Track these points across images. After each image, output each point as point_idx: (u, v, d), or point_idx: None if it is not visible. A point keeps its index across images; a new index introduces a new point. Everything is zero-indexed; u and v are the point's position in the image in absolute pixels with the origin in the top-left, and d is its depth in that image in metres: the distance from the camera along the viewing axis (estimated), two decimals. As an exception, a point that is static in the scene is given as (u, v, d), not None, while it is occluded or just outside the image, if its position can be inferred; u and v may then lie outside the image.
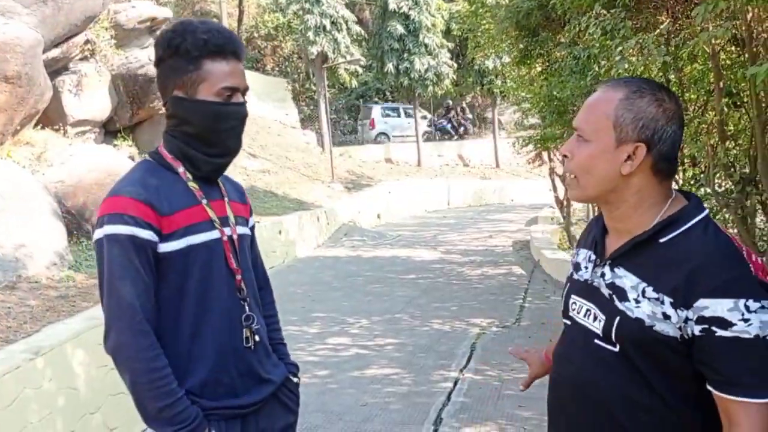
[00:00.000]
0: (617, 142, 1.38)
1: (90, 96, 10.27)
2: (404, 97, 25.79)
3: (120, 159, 9.21)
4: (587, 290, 1.49)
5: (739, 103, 6.09)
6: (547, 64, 9.76)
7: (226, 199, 1.86)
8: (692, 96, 7.12)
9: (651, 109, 1.37)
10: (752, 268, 1.33)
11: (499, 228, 16.75)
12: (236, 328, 1.78)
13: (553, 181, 13.28)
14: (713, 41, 5.54)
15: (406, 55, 22.32)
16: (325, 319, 7.93)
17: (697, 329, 1.29)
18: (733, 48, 6.33)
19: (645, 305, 1.34)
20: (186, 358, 1.72)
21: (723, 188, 6.09)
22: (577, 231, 13.88)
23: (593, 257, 1.52)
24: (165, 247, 1.69)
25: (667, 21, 6.17)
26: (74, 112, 10.02)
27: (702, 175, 6.63)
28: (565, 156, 1.46)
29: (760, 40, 5.49)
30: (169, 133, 1.82)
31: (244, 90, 1.79)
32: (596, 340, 1.44)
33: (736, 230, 6.10)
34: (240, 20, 30.66)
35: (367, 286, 10.01)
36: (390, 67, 22.23)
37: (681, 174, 7.66)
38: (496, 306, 8.43)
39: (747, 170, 5.81)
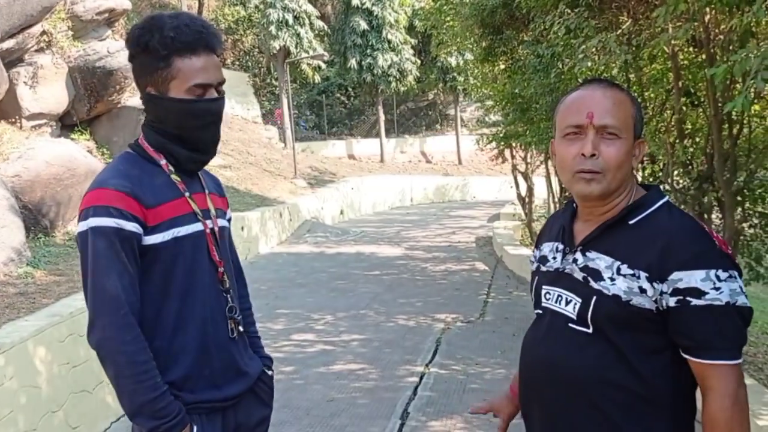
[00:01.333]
0: (634, 139, 1.49)
1: (46, 89, 10.00)
2: (367, 93, 25.78)
3: (79, 153, 8.99)
4: (558, 278, 1.55)
5: (696, 103, 6.26)
6: (511, 62, 9.87)
7: (206, 191, 1.85)
8: (651, 95, 7.30)
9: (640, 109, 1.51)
10: (716, 242, 1.42)
11: (462, 224, 16.87)
12: (220, 320, 1.78)
13: (515, 177, 13.45)
14: (673, 42, 5.67)
15: (369, 50, 22.35)
16: (290, 315, 7.88)
17: (672, 301, 1.37)
18: (691, 49, 6.51)
19: (620, 282, 1.42)
20: (169, 350, 1.70)
21: (681, 185, 6.27)
22: (539, 227, 14.09)
23: (561, 247, 1.59)
24: (150, 240, 1.68)
25: (629, 21, 6.31)
26: (30, 105, 9.75)
27: (661, 173, 6.80)
28: (592, 155, 1.46)
29: (717, 42, 5.64)
30: (149, 126, 1.80)
31: (219, 83, 1.76)
32: (570, 324, 1.49)
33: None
34: (199, 13, 30.13)
35: (332, 282, 9.98)
36: (353, 62, 22.23)
37: (641, 171, 7.85)
38: (460, 301, 8.49)
39: (704, 168, 5.98)
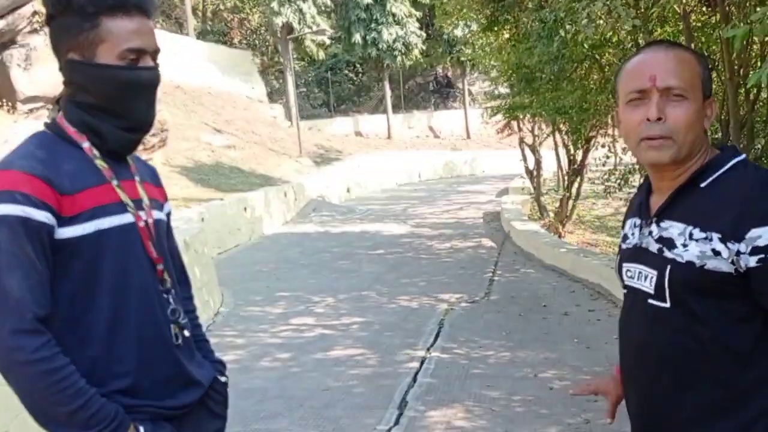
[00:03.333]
0: (703, 99, 1.41)
1: (41, 70, 9.78)
2: (373, 69, 25.39)
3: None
4: (637, 253, 1.50)
5: (710, 67, 5.92)
6: (515, 30, 9.49)
7: (137, 178, 1.61)
8: (662, 60, 6.94)
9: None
10: None
11: (470, 200, 16.60)
12: (162, 324, 1.57)
13: (522, 150, 13.11)
14: (684, 1, 5.32)
15: (373, 25, 21.93)
16: (290, 298, 7.68)
17: (752, 261, 1.30)
18: (703, 9, 6.15)
19: (693, 247, 1.35)
20: (101, 362, 1.48)
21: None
22: (548, 201, 13.77)
23: (638, 222, 1.53)
24: (67, 232, 1.44)
25: (636, -18, 5.93)
26: (25, 88, 9.56)
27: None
28: (658, 119, 1.38)
29: (732, 0, 5.29)
30: (70, 102, 1.55)
31: (155, 52, 1.53)
32: (649, 300, 1.44)
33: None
34: (204, -9, 29.85)
35: (335, 262, 9.77)
36: (357, 37, 21.84)
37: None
38: (465, 280, 8.25)
39: (719, 135, 5.65)
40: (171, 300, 1.60)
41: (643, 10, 5.38)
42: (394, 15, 21.76)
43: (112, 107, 1.50)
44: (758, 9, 4.13)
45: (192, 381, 1.63)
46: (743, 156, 1.42)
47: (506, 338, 5.89)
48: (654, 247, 1.44)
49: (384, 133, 24.23)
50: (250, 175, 14.90)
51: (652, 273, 1.43)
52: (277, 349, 5.86)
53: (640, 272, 1.48)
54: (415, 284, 8.14)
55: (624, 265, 1.55)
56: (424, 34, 23.22)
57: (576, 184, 11.10)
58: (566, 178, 11.38)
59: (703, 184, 1.40)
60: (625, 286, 1.55)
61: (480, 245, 10.78)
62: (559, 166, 11.98)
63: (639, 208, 1.54)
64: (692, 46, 5.60)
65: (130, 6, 1.47)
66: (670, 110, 1.38)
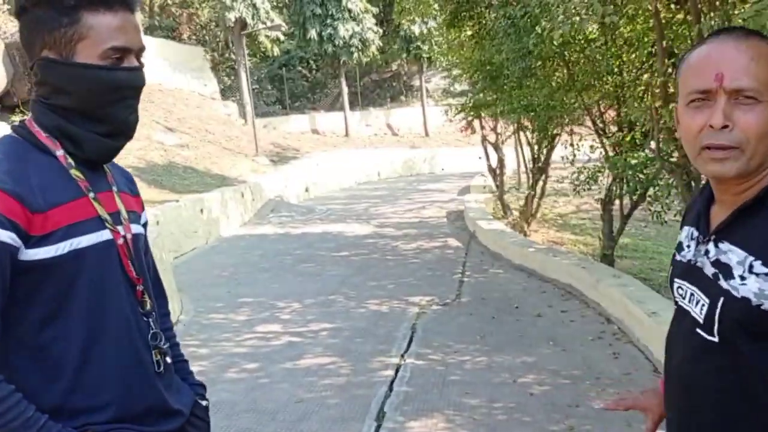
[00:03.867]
0: None
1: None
2: (329, 65, 25.09)
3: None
4: (690, 272, 1.34)
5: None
6: (478, 27, 9.37)
7: (115, 189, 1.48)
8: (631, 57, 6.90)
9: None
10: None
11: (432, 198, 16.50)
12: (143, 351, 1.45)
13: (485, 149, 13.05)
14: (656, -3, 5.25)
15: (329, 20, 21.66)
16: (253, 304, 7.38)
17: None
18: (672, 6, 6.11)
19: (752, 281, 1.18)
20: (75, 395, 1.35)
21: (665, 152, 5.90)
22: (511, 199, 13.76)
23: (695, 234, 1.36)
24: (37, 253, 1.30)
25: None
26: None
27: (645, 139, 6.43)
28: (724, 126, 1.18)
29: (703, -4, 5.25)
30: (42, 104, 1.38)
31: (139, 51, 1.40)
32: (697, 329, 1.28)
33: (680, 196, 5.92)
34: (151, -15, 29.02)
35: (298, 265, 9.49)
36: (313, 33, 21.54)
37: (619, 138, 7.49)
38: (434, 282, 8.08)
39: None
40: (152, 323, 1.47)
41: (620, 5, 5.30)
42: (350, 11, 21.52)
43: (92, 111, 1.37)
44: (745, 7, 4.06)
45: (171, 411, 1.50)
46: None
47: (481, 342, 5.75)
48: (709, 270, 1.27)
49: (341, 130, 23.98)
50: (205, 175, 14.47)
51: (704, 300, 1.27)
52: (243, 359, 5.59)
53: (692, 294, 1.32)
54: (384, 287, 7.95)
55: (676, 280, 1.40)
56: (381, 31, 23.04)
57: (541, 183, 11.08)
58: (531, 176, 11.35)
59: None
60: (676, 303, 1.40)
61: (446, 245, 10.65)
62: (525, 165, 11.96)
63: (697, 218, 1.37)
64: (663, 44, 5.54)
65: (115, 1, 1.34)
66: (739, 116, 1.18)
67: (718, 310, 1.22)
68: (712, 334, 1.24)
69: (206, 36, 29.56)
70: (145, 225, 1.60)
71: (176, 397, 1.54)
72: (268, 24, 19.87)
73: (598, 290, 6.50)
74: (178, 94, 19.29)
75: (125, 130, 1.42)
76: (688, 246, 1.38)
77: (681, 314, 1.37)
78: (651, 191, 6.78)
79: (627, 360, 5.14)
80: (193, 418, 1.59)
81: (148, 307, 1.47)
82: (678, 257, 1.41)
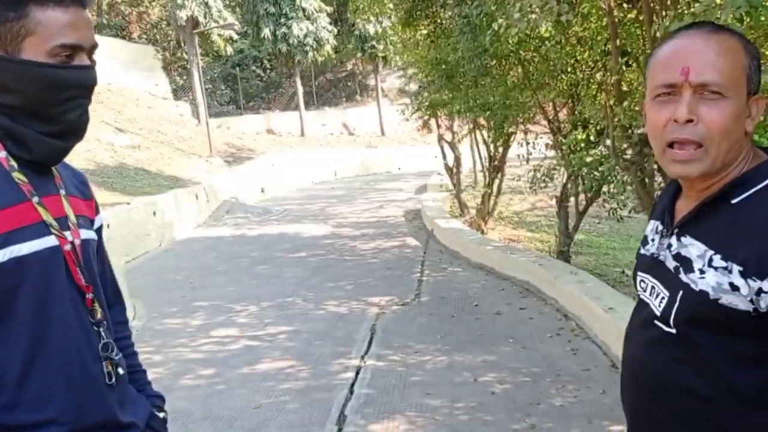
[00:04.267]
0: (747, 97, 1.20)
1: None
2: (283, 65, 24.84)
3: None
4: (653, 265, 1.35)
5: (632, 63, 5.95)
6: (434, 26, 9.37)
7: (62, 192, 1.41)
8: (585, 56, 6.97)
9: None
10: None
11: (389, 198, 16.46)
12: (91, 363, 1.37)
13: (442, 148, 13.08)
14: (611, -4, 5.31)
15: (283, 19, 21.44)
16: (209, 308, 7.21)
17: None
18: (625, 5, 6.18)
19: (710, 275, 1.19)
20: (16, 410, 1.28)
21: (619, 149, 5.97)
22: (468, 198, 13.81)
23: (660, 228, 1.37)
24: None
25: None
26: None
27: (599, 137, 6.50)
28: (689, 121, 1.17)
29: (656, -5, 5.31)
30: None
31: (92, 48, 1.34)
32: (655, 321, 1.29)
33: (635, 192, 6.00)
34: (99, -17, 28.29)
35: (254, 267, 9.33)
36: (267, 32, 21.29)
37: (574, 136, 7.56)
38: (393, 282, 8.03)
39: (645, 131, 5.69)
40: (103, 333, 1.40)
41: (574, 3, 5.32)
42: (304, 10, 21.34)
43: (39, 111, 1.30)
44: (696, 4, 4.11)
45: (126, 425, 1.44)
46: None
47: (442, 341, 5.72)
48: (671, 263, 1.28)
49: (297, 130, 23.76)
50: (158, 177, 14.13)
51: (664, 293, 1.28)
52: (199, 364, 5.45)
53: (653, 287, 1.33)
54: (342, 288, 7.86)
55: (639, 274, 1.40)
56: (336, 30, 22.92)
57: (497, 181, 11.14)
58: (487, 174, 11.41)
59: (734, 201, 1.20)
60: (638, 296, 1.40)
61: (405, 244, 10.61)
62: (481, 163, 12.01)
63: (663, 212, 1.37)
64: (617, 42, 5.60)
65: None
66: (704, 111, 1.17)
67: (676, 303, 1.23)
68: (670, 326, 1.25)
69: (157, 35, 28.98)
70: (98, 230, 1.54)
71: (131, 409, 1.47)
72: (221, 23, 19.55)
73: (556, 287, 6.55)
74: (129, 94, 18.80)
75: (75, 131, 1.35)
76: (653, 240, 1.38)
77: (641, 306, 1.37)
78: (606, 188, 6.87)
79: (586, 356, 5.18)
80: (149, 431, 1.52)
81: (99, 316, 1.40)
82: (642, 251, 1.41)
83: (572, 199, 8.26)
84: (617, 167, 5.96)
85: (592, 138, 6.83)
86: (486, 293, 7.26)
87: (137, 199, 11.16)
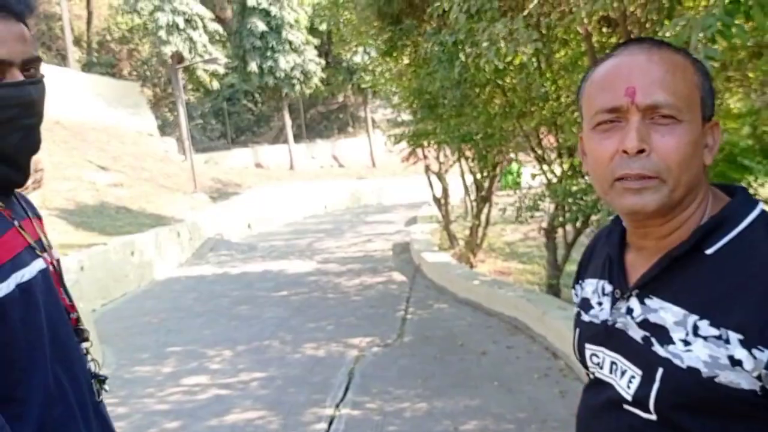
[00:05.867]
0: (702, 122, 1.01)
1: None
2: (271, 98, 24.78)
3: None
4: (608, 335, 1.09)
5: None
6: (415, 55, 9.19)
7: (30, 214, 1.40)
8: (566, 83, 6.76)
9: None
10: None
11: (378, 231, 16.19)
12: (84, 382, 1.37)
13: (429, 178, 12.84)
14: (586, 21, 5.12)
15: (269, 53, 21.42)
16: (182, 353, 6.87)
17: None
18: (603, 30, 6.00)
19: (699, 347, 0.95)
20: None
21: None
22: (458, 229, 13.52)
23: (608, 288, 1.12)
24: None
25: (535, 1, 5.70)
26: None
27: (581, 167, 6.25)
28: (640, 151, 0.96)
29: (633, 18, 5.14)
30: None
31: (29, 62, 1.23)
32: (625, 406, 1.04)
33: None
34: (89, 22, 28.48)
35: (234, 308, 9.00)
36: (253, 66, 21.25)
37: (558, 165, 7.32)
38: (375, 321, 7.70)
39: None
40: (89, 351, 1.44)
41: (545, 31, 5.11)
42: (291, 43, 21.31)
43: None
44: (666, 23, 3.90)
45: None
46: (760, 206, 1.00)
47: (422, 386, 5.39)
48: (636, 333, 1.03)
49: (286, 163, 23.59)
50: (140, 215, 13.82)
51: (635, 372, 1.02)
52: (164, 416, 5.11)
53: (614, 364, 1.07)
54: (323, 328, 7.52)
55: (588, 347, 1.14)
56: (324, 62, 22.89)
57: (485, 211, 10.87)
58: (473, 205, 11.15)
59: (709, 251, 0.98)
60: (590, 373, 1.16)
61: (390, 280, 10.30)
62: (467, 193, 11.76)
63: (608, 267, 1.13)
64: (596, 67, 5.39)
65: None
66: (656, 138, 0.97)
67: (656, 384, 0.99)
68: (648, 412, 1.01)
69: (147, 71, 29.01)
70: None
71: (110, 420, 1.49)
72: (206, 57, 19.50)
73: (545, 323, 6.23)
74: (113, 131, 18.59)
75: (19, 155, 1.26)
76: (600, 303, 1.13)
77: (599, 387, 1.11)
78: (594, 218, 6.60)
79: (574, 398, 4.81)
80: None
81: (85, 334, 1.42)
82: (586, 317, 1.15)
83: (560, 230, 7.98)
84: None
85: (576, 167, 6.58)
86: (472, 331, 6.93)
87: (115, 239, 10.85)
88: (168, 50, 18.95)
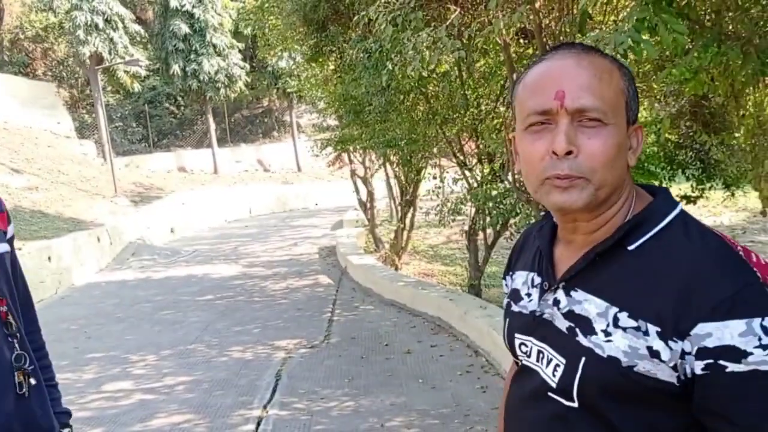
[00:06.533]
0: (627, 125, 1.06)
1: None
2: (195, 101, 24.30)
3: None
4: (536, 325, 1.14)
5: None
6: (340, 61, 9.31)
7: None
8: (486, 91, 7.04)
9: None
10: (758, 274, 0.98)
11: (304, 234, 16.17)
12: (5, 374, 1.42)
13: (354, 183, 12.97)
14: (505, 32, 5.35)
15: (193, 56, 21.01)
16: (103, 359, 6.72)
17: (698, 366, 0.94)
18: (520, 41, 6.29)
19: (619, 338, 1.00)
20: None
21: (522, 184, 6.00)
22: (384, 232, 13.72)
23: (537, 280, 1.17)
24: None
25: (457, 12, 5.93)
26: None
27: (502, 171, 6.52)
28: (568, 153, 1.01)
29: (548, 31, 5.40)
30: None
31: None
32: (550, 393, 1.09)
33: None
34: (0, 20, 27.05)
35: (157, 313, 8.83)
36: (176, 68, 20.78)
37: (479, 170, 7.59)
38: (302, 323, 7.76)
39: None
40: (16, 345, 1.46)
41: (467, 40, 5.33)
42: (215, 46, 20.99)
43: None
44: (578, 37, 4.16)
45: None
46: (680, 207, 1.06)
47: (349, 385, 5.50)
48: (562, 323, 1.08)
49: (210, 167, 23.19)
50: (57, 220, 13.32)
51: (560, 361, 1.07)
52: (85, 424, 5.00)
53: (540, 352, 1.12)
54: (249, 332, 7.51)
55: (518, 336, 1.18)
56: (248, 66, 22.64)
57: (409, 215, 11.09)
58: (399, 209, 11.35)
59: (631, 247, 1.04)
60: (518, 362, 1.20)
61: (317, 283, 10.35)
62: (392, 197, 11.96)
63: (538, 260, 1.18)
64: (514, 77, 5.65)
65: None
66: (583, 141, 1.02)
67: (579, 372, 1.03)
68: (571, 400, 1.05)
69: (63, 72, 27.87)
70: (11, 240, 1.58)
71: (39, 422, 1.49)
72: (127, 59, 18.97)
73: (466, 322, 6.46)
74: (27, 133, 17.81)
75: None
76: (529, 295, 1.18)
77: (526, 375, 1.16)
78: (513, 221, 6.89)
79: (495, 393, 5.07)
80: None
81: (13, 328, 1.45)
82: (516, 308, 1.21)
83: (481, 232, 8.27)
84: (520, 200, 5.97)
85: (496, 171, 6.85)
86: (397, 331, 7.09)
87: (30, 244, 10.43)
88: (86, 50, 18.29)
